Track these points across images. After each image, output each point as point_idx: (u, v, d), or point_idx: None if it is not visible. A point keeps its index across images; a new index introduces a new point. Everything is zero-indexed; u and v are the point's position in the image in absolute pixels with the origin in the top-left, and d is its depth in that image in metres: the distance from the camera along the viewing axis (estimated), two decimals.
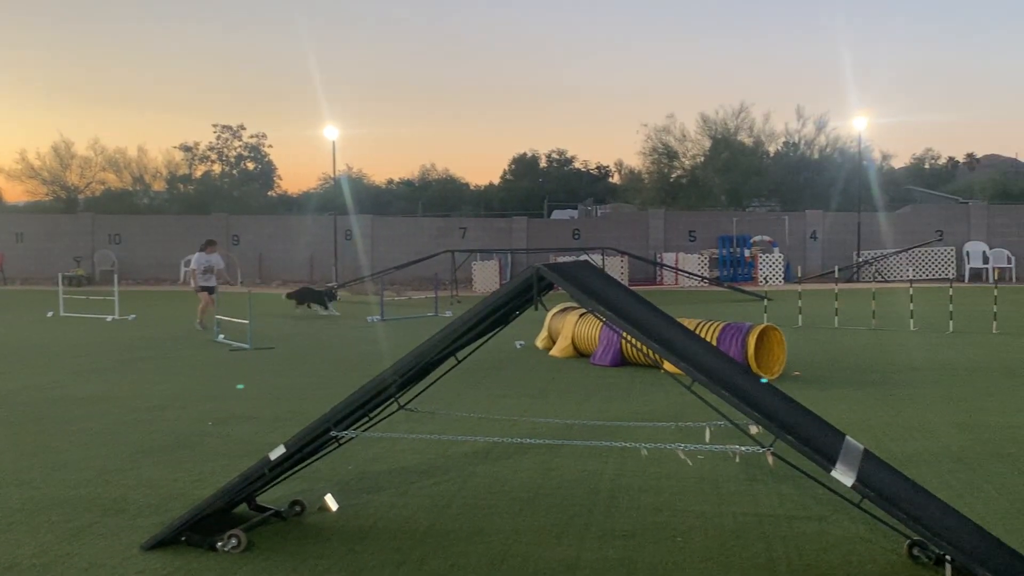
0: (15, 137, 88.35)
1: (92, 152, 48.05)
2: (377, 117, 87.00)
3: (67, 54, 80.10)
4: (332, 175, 43.21)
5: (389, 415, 5.91)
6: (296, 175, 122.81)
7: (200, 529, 5.64)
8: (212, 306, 18.34)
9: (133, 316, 21.32)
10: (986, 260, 32.77)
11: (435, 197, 56.43)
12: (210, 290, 18.51)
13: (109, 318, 20.98)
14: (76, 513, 6.31)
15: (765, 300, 20.77)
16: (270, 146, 57.60)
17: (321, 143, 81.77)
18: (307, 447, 5.74)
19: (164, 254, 35.59)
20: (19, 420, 9.52)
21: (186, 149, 53.14)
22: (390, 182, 63.86)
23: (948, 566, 4.72)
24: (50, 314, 21.75)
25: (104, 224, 37.36)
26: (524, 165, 63.45)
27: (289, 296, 20.49)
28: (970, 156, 61.45)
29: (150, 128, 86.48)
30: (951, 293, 18.78)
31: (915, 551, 5.27)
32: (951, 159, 60.61)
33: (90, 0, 79.51)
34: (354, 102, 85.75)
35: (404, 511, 6.37)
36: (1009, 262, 32.51)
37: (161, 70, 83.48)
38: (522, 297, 5.58)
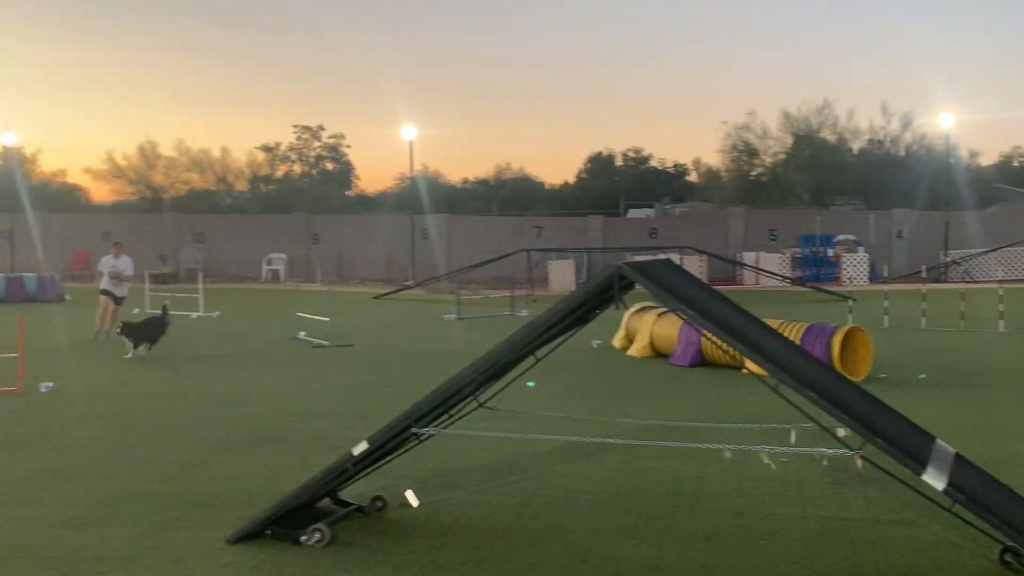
0: (102, 138, 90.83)
1: (176, 152, 49.19)
2: (452, 116, 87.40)
3: (152, 57, 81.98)
4: (409, 175, 43.59)
5: (468, 413, 5.91)
6: (373, 175, 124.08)
7: (284, 523, 5.70)
8: (113, 312, 16.64)
9: (217, 313, 21.73)
10: None
11: (510, 196, 56.53)
12: (115, 297, 16.72)
13: (194, 315, 21.42)
14: (162, 506, 6.43)
15: (849, 301, 20.37)
16: (348, 146, 58.27)
17: (398, 143, 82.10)
18: (389, 443, 5.77)
19: (246, 253, 36.21)
20: (104, 415, 9.74)
21: (267, 150, 54.07)
22: (465, 181, 64.21)
23: None
24: (136, 311, 22.26)
25: (188, 223, 38.17)
26: (600, 164, 63.20)
27: (125, 332, 14.10)
28: None
29: (233, 129, 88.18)
30: None
31: (1007, 557, 5.11)
32: None
33: (172, 5, 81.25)
34: (430, 102, 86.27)
35: (484, 509, 6.37)
36: None
37: (243, 72, 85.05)
38: (602, 296, 5.53)
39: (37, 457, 7.85)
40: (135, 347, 13.53)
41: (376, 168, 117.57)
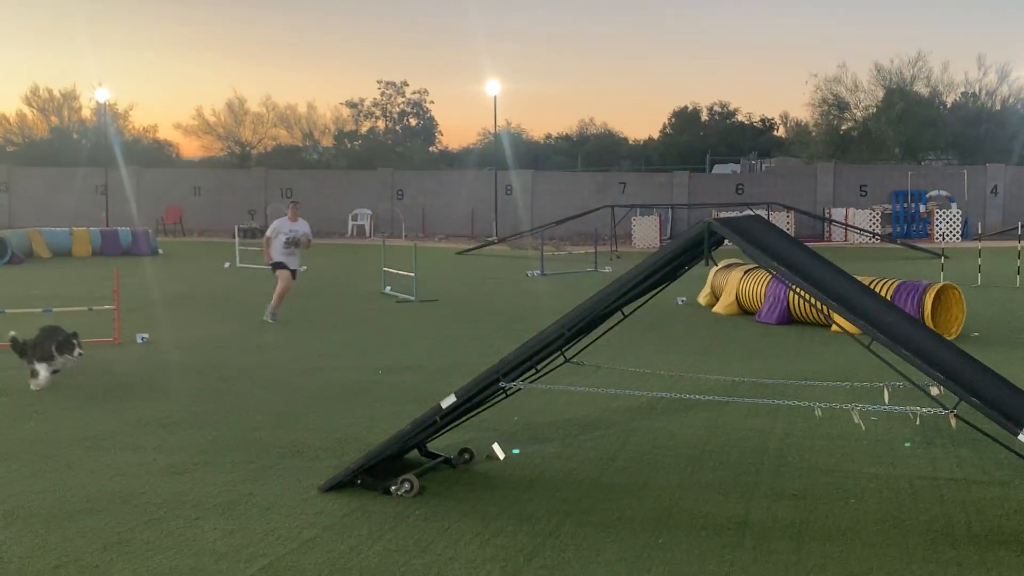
0: (192, 94, 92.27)
1: (264, 109, 49.85)
2: (536, 72, 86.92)
3: (240, 11, 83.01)
4: (492, 130, 43.52)
5: (555, 368, 5.96)
6: (457, 130, 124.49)
7: (374, 473, 5.83)
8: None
9: (304, 268, 22.04)
10: None
11: (594, 152, 56.14)
12: (293, 271, 13.41)
13: None
14: (256, 455, 6.62)
15: (942, 258, 19.88)
16: (432, 102, 58.22)
17: (481, 98, 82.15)
18: (476, 396, 5.85)
19: (333, 208, 36.62)
20: (201, 368, 10.02)
21: (352, 106, 54.41)
22: (548, 137, 63.89)
23: None
24: (227, 265, 22.75)
25: (276, 179, 38.74)
26: (684, 118, 62.30)
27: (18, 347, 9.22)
28: None
29: (318, 85, 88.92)
30: None
31: None
32: None
33: None
34: (513, 57, 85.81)
35: (569, 463, 6.43)
36: None
37: (328, 27, 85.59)
38: (692, 252, 5.51)
39: (136, 406, 8.12)
40: (34, 375, 8.91)
41: (460, 124, 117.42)
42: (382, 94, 56.30)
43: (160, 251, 26.85)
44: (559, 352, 5.87)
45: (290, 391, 8.77)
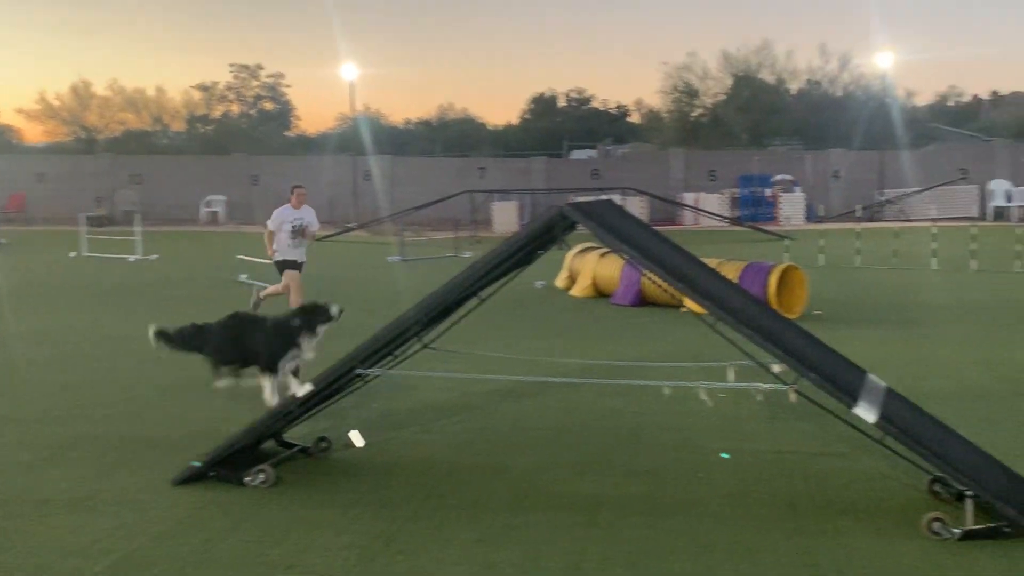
0: (34, 78, 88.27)
1: (111, 92, 48.07)
2: (395, 56, 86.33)
3: None
4: (350, 115, 43.05)
5: (413, 354, 5.97)
6: (314, 115, 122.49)
7: (229, 464, 5.73)
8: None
9: (155, 256, 21.44)
10: (1010, 199, 32.41)
11: (453, 137, 56.14)
12: (299, 265, 11.59)
13: (131, 258, 21.12)
14: (107, 449, 6.43)
15: (786, 240, 20.69)
16: (288, 86, 57.26)
17: (339, 83, 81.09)
18: (333, 384, 5.81)
19: (185, 195, 35.62)
20: (47, 359, 9.64)
21: (204, 89, 53.03)
22: (408, 122, 63.58)
23: (968, 502, 4.75)
24: (73, 255, 21.90)
25: (124, 165, 37.44)
26: (542, 105, 62.93)
27: None
28: (994, 94, 60.48)
29: (168, 68, 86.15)
30: (974, 232, 18.65)
31: (936, 487, 5.31)
32: (975, 96, 59.73)
33: None
34: (372, 41, 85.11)
35: (428, 448, 6.46)
36: None
37: (178, 8, 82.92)
38: (545, 237, 5.59)
39: None
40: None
41: (317, 108, 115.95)
42: (236, 77, 55.07)
43: (2, 240, 25.63)
44: (417, 338, 5.88)
45: (142, 382, 8.53)
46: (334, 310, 7.00)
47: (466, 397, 7.84)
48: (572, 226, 5.46)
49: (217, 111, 53.53)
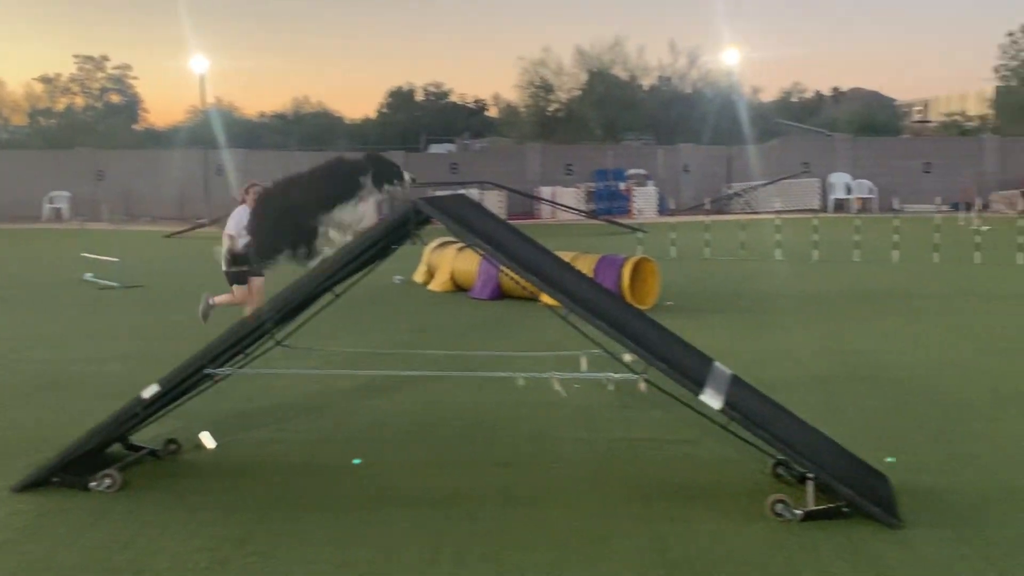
0: None
1: None
2: (248, 48, 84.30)
3: None
4: (201, 108, 41.93)
5: (266, 351, 5.86)
6: (163, 108, 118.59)
7: (73, 469, 5.51)
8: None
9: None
10: (849, 191, 33.92)
11: (309, 131, 55.15)
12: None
13: None
14: None
15: (639, 233, 21.15)
16: (135, 78, 55.20)
17: (189, 75, 78.95)
18: (181, 385, 5.66)
19: (27, 191, 34.02)
20: None
21: (46, 81, 50.71)
22: (263, 115, 62.15)
23: (810, 483, 4.96)
24: None
25: None
26: (400, 98, 62.48)
27: None
28: (835, 90, 63.15)
29: (7, 60, 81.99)
30: (816, 224, 19.44)
31: (780, 470, 5.52)
32: (818, 93, 62.19)
33: None
34: (223, 32, 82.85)
35: (282, 447, 6.36)
36: (871, 193, 33.72)
37: None
38: (399, 231, 5.57)
39: None
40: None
41: (166, 101, 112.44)
42: (80, 69, 52.82)
43: None
44: (269, 335, 5.77)
45: None
46: (408, 175, 6.10)
47: (322, 395, 7.75)
48: (426, 221, 5.46)
49: (60, 104, 51.32)
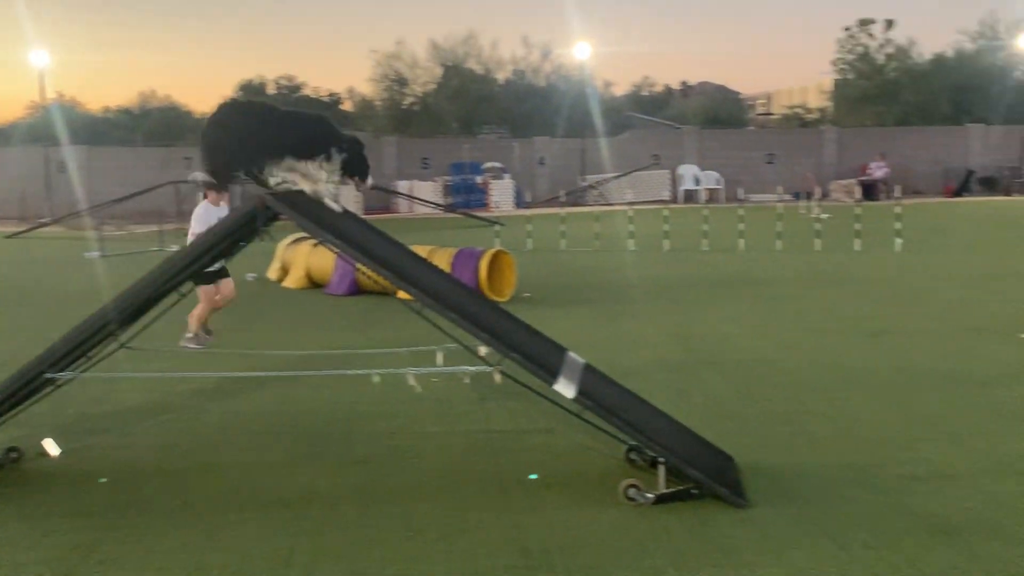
0: None
1: None
2: (91, 41, 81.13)
3: None
4: (41, 103, 40.13)
5: (110, 354, 5.67)
6: (1, 104, 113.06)
7: None
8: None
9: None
10: (698, 182, 34.88)
11: (157, 126, 53.40)
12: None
13: None
14: None
15: (497, 225, 21.27)
16: None
17: (28, 69, 75.36)
18: (20, 391, 5.43)
19: None
20: None
21: None
22: (107, 110, 59.88)
23: (661, 467, 5.10)
24: None
25: None
26: (251, 92, 61.03)
27: None
28: (683, 84, 64.93)
29: None
30: (666, 214, 19.92)
31: (632, 455, 5.65)
32: (667, 86, 63.73)
33: None
34: (64, 25, 79.56)
35: (131, 452, 6.17)
36: (718, 183, 34.73)
37: None
38: (247, 228, 5.47)
39: None
40: None
41: (3, 97, 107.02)
42: None
43: None
44: (113, 337, 5.59)
45: None
46: (370, 179, 6.10)
47: (171, 397, 7.54)
48: (275, 217, 5.37)
49: None
